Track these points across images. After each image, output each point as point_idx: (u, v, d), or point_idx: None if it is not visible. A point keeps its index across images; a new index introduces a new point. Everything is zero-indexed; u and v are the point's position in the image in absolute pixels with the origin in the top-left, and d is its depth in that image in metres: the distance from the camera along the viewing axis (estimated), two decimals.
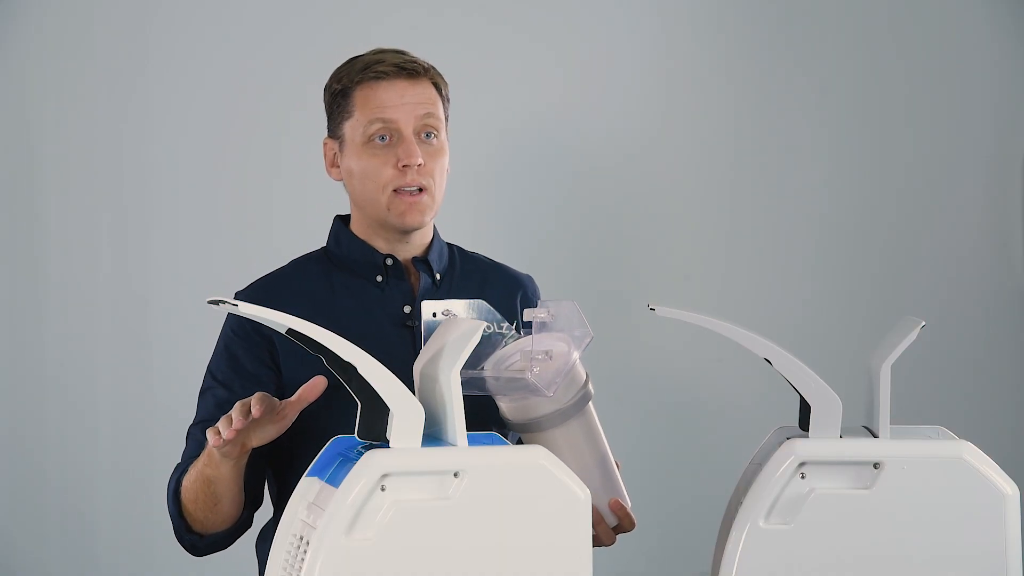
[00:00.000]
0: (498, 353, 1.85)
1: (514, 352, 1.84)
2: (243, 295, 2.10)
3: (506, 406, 1.87)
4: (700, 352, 3.46)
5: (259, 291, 2.10)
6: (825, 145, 3.54)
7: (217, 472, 1.89)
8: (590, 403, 1.88)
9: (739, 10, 3.52)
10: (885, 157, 3.56)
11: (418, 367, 1.69)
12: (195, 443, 2.06)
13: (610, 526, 1.93)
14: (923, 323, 1.74)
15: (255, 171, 3.36)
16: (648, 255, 3.51)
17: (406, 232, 2.08)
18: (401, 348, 2.03)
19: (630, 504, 1.93)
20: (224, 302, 1.52)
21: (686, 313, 1.71)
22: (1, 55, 3.29)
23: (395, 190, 2.04)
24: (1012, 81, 3.58)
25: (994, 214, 3.57)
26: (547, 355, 1.79)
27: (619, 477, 1.93)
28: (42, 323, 3.29)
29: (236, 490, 1.94)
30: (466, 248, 2.21)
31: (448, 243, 2.18)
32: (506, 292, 2.15)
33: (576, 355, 1.81)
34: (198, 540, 2.04)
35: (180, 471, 2.03)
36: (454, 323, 1.68)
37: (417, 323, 2.05)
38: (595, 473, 1.87)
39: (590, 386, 1.88)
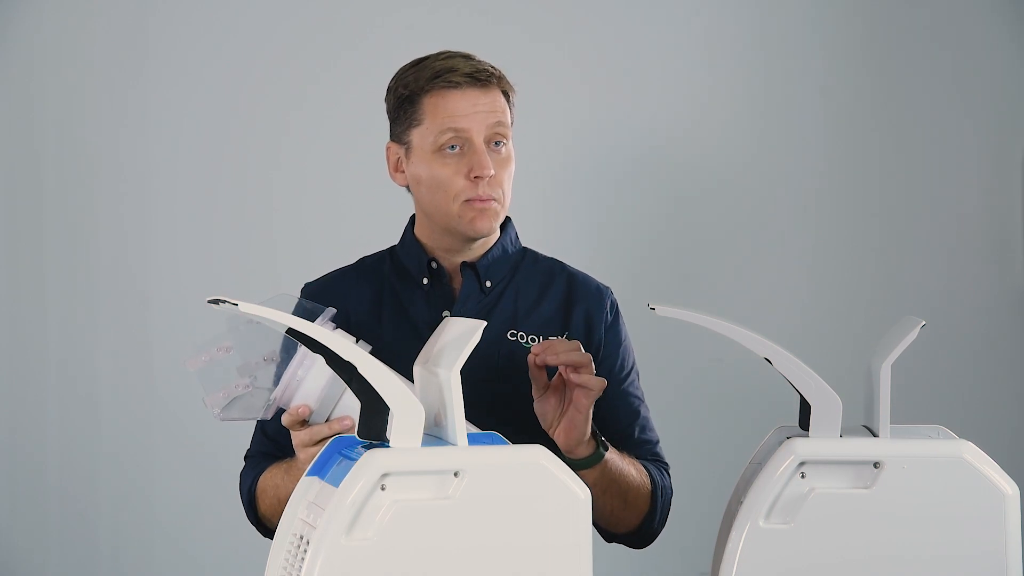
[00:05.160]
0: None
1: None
2: (310, 286, 2.14)
3: None
4: (700, 352, 3.46)
5: (323, 286, 2.13)
6: (825, 145, 3.55)
7: None
8: None
9: (746, 12, 3.53)
10: (885, 156, 3.56)
11: (418, 367, 1.69)
12: (260, 434, 2.10)
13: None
14: (923, 323, 1.74)
15: (255, 171, 3.36)
16: (647, 255, 3.51)
17: (474, 239, 2.07)
18: None
19: None
20: (224, 302, 1.51)
21: (686, 313, 1.71)
22: (1, 55, 3.29)
23: (466, 200, 2.03)
24: (1012, 81, 3.58)
25: (994, 214, 3.57)
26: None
27: None
28: (43, 323, 3.30)
29: None
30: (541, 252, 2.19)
31: (525, 247, 2.17)
32: (566, 300, 2.13)
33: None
34: (269, 532, 2.06)
35: (256, 473, 2.06)
36: (454, 323, 1.68)
37: None
38: None
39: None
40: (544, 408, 1.94)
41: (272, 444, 2.08)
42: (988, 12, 3.57)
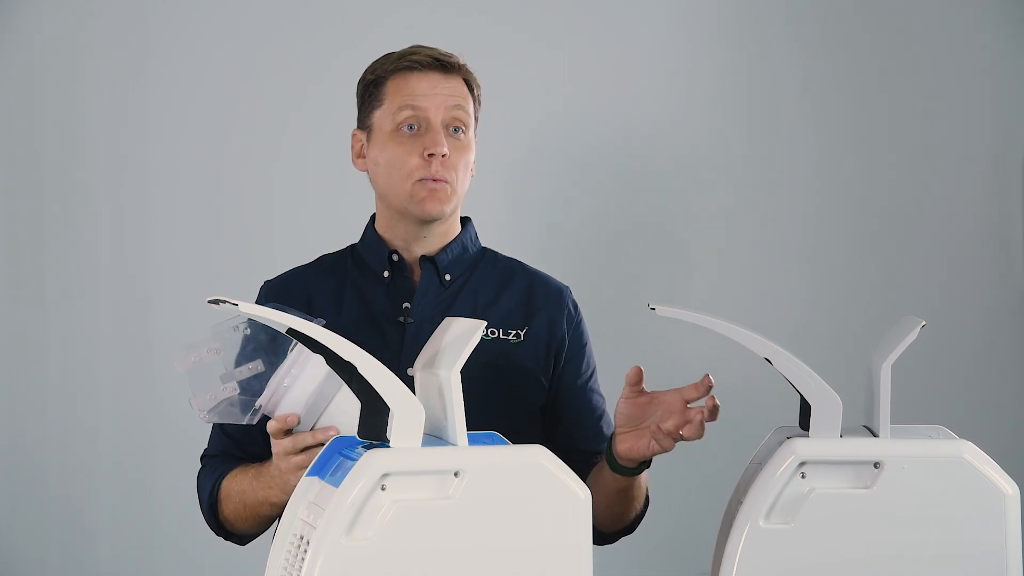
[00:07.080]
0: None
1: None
2: (270, 284, 2.15)
3: None
4: (700, 352, 3.46)
5: (284, 283, 2.14)
6: (825, 145, 3.54)
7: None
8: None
9: (742, 11, 3.52)
10: (885, 157, 3.56)
11: (418, 367, 1.69)
12: (220, 434, 2.10)
13: None
14: (923, 323, 1.74)
15: (255, 171, 3.36)
16: (647, 254, 3.51)
17: (426, 222, 2.07)
18: (390, 344, 2.04)
19: None
20: (224, 302, 1.51)
21: (686, 313, 1.72)
22: (1, 55, 3.29)
23: (419, 179, 2.04)
24: (1012, 81, 3.58)
25: (994, 214, 3.57)
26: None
27: None
28: (43, 323, 3.29)
29: None
30: (502, 252, 2.19)
31: (484, 247, 2.18)
32: (527, 298, 2.13)
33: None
34: (230, 535, 2.06)
35: (217, 475, 2.04)
36: (454, 323, 1.68)
37: (411, 321, 2.06)
38: None
39: None
40: (630, 411, 1.89)
41: (232, 443, 2.07)
42: (988, 12, 3.57)
